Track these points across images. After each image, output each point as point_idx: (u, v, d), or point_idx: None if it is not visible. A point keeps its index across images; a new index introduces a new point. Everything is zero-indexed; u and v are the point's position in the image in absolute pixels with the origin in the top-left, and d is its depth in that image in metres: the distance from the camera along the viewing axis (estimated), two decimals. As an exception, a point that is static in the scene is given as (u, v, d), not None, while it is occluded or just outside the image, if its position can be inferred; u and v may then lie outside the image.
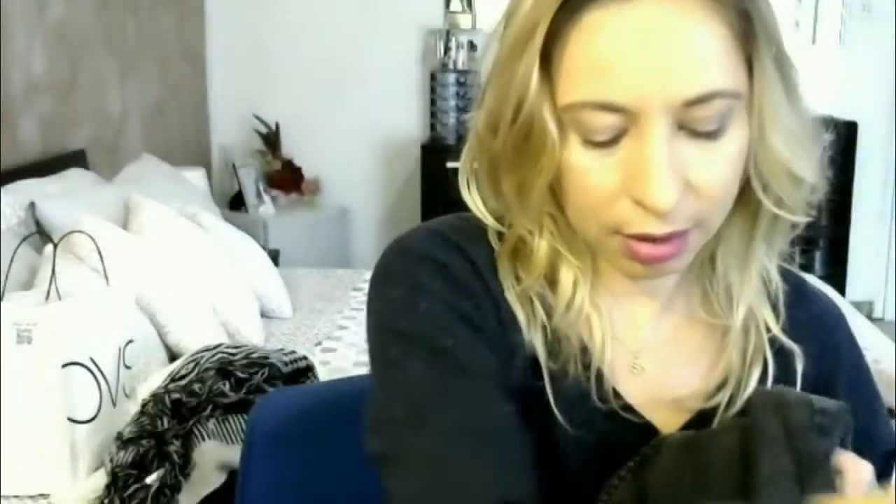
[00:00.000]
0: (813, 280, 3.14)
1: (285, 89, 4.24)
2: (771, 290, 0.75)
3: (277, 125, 4.14)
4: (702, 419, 0.73)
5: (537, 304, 0.71)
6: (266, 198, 3.99)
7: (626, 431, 0.72)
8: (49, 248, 2.01)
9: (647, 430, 0.72)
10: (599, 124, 0.63)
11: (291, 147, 4.17)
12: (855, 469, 0.61)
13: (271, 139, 4.13)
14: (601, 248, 0.69)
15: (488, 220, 0.72)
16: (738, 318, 0.73)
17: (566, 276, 0.72)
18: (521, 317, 0.71)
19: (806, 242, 4.36)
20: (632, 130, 0.63)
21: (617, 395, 0.72)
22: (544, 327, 0.71)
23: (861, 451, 0.70)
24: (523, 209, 0.69)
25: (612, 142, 0.63)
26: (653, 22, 0.61)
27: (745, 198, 0.70)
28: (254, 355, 1.69)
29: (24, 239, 2.01)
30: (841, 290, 3.90)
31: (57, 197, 2.40)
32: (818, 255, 4.36)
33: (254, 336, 2.40)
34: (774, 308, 0.75)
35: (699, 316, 0.76)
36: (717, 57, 0.62)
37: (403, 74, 4.25)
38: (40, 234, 2.16)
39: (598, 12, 0.62)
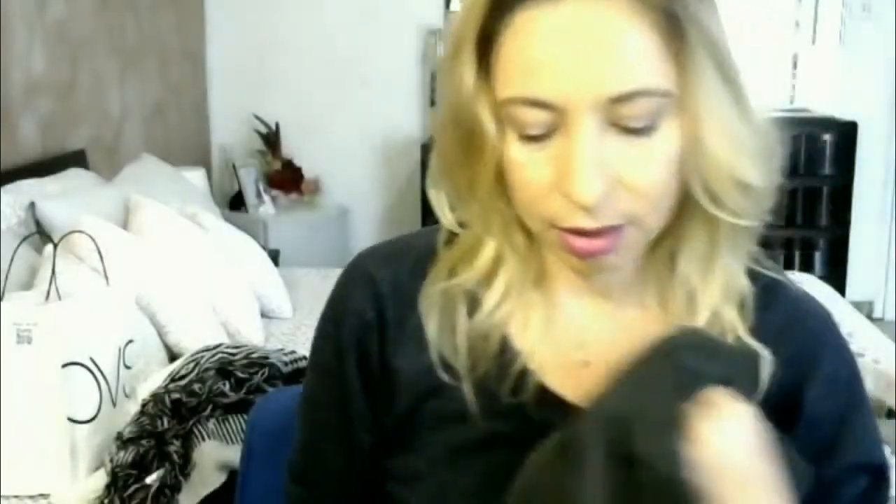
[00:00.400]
0: (812, 280, 3.11)
1: (285, 89, 4.24)
2: (736, 291, 0.73)
3: (277, 125, 4.14)
4: None
5: (461, 306, 0.75)
6: (266, 198, 3.99)
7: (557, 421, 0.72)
8: (49, 248, 2.01)
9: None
10: (531, 120, 0.65)
11: (291, 147, 4.17)
12: (726, 405, 0.64)
13: (271, 139, 4.13)
14: (544, 242, 0.72)
15: (447, 217, 0.75)
16: (700, 321, 0.72)
17: (504, 276, 0.74)
18: (431, 324, 0.75)
19: (806, 242, 4.37)
20: (562, 127, 0.65)
21: (545, 389, 0.74)
22: (466, 328, 0.74)
23: (821, 461, 0.72)
24: (474, 204, 0.72)
25: (545, 137, 0.66)
26: (579, 21, 0.63)
27: (702, 205, 0.70)
28: (254, 355, 1.69)
29: (24, 239, 2.01)
30: (841, 290, 3.90)
31: (57, 197, 2.40)
32: (818, 255, 4.37)
33: (254, 336, 2.40)
34: (743, 309, 0.73)
35: (657, 315, 0.75)
36: (642, 56, 0.63)
37: (403, 74, 4.25)
38: (40, 234, 2.16)
39: (529, 12, 0.64)
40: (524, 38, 0.64)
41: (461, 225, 0.76)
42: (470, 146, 0.69)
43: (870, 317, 4.19)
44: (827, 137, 4.24)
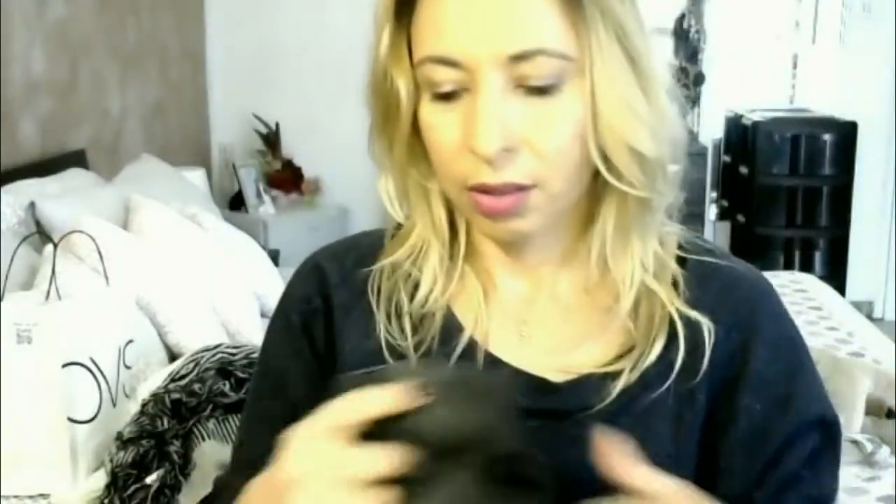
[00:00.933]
0: (812, 280, 3.10)
1: (285, 89, 4.24)
2: (664, 270, 0.76)
3: (277, 125, 4.14)
4: (594, 384, 0.75)
5: (404, 290, 0.78)
6: (266, 198, 3.99)
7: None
8: (49, 248, 2.01)
9: (538, 384, 0.75)
10: (441, 78, 0.69)
11: (291, 147, 4.17)
12: None
13: (271, 139, 4.13)
14: (461, 207, 0.75)
15: (394, 208, 0.79)
16: (626, 299, 0.75)
17: (433, 252, 0.78)
18: (379, 309, 0.78)
19: (806, 242, 4.38)
20: (470, 86, 0.68)
21: (495, 359, 0.77)
22: (409, 311, 0.78)
23: (778, 420, 0.75)
24: (393, 168, 0.77)
25: (455, 97, 0.69)
26: None
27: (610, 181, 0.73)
28: (254, 355, 1.69)
29: (24, 239, 2.01)
30: (841, 290, 3.90)
31: (57, 197, 2.40)
32: (818, 255, 4.37)
33: (254, 336, 2.40)
34: (675, 286, 0.76)
35: (591, 292, 0.78)
36: (541, 17, 0.67)
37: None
38: (40, 234, 2.17)
39: None
40: (436, 1, 0.68)
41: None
42: (387, 111, 0.73)
43: (870, 317, 4.19)
44: (827, 137, 4.24)
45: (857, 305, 3.42)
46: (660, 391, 0.74)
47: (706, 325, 0.75)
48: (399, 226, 0.82)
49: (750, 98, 4.47)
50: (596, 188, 0.74)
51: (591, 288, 0.78)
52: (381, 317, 0.78)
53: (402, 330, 0.78)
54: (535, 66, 0.67)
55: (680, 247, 0.79)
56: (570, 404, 0.74)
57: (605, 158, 0.70)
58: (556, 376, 0.76)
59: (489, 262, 0.80)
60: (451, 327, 0.78)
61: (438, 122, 0.70)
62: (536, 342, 0.78)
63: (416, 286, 0.78)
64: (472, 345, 0.77)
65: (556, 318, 0.78)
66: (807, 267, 4.22)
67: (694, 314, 0.75)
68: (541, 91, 0.68)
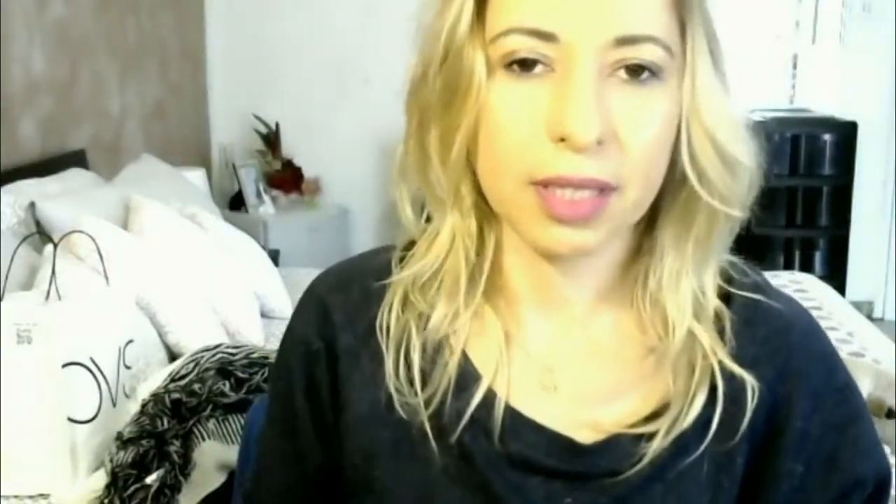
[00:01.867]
0: (812, 280, 3.10)
1: (285, 89, 4.24)
2: (709, 312, 0.69)
3: (277, 125, 4.14)
4: (625, 446, 0.68)
5: (413, 328, 0.70)
6: (266, 198, 3.99)
7: (538, 450, 0.69)
8: (49, 248, 2.01)
9: (565, 444, 0.69)
10: (528, 53, 0.61)
11: (291, 147, 4.16)
12: None
13: (271, 139, 4.13)
14: (516, 209, 0.65)
15: (408, 215, 0.71)
16: (676, 341, 0.68)
17: (451, 291, 0.70)
18: (388, 358, 0.71)
19: (806, 242, 4.37)
20: (559, 67, 0.61)
21: (516, 413, 0.69)
22: (421, 356, 0.70)
23: (822, 481, 0.69)
24: (444, 165, 0.67)
25: (538, 76, 0.62)
26: None
27: (682, 198, 0.67)
28: (254, 355, 1.69)
29: (24, 239, 2.01)
30: (841, 290, 3.90)
31: (57, 197, 2.40)
32: (818, 255, 4.37)
33: (254, 336, 2.40)
34: (721, 333, 0.69)
35: (629, 335, 0.71)
36: (652, 5, 0.62)
37: (403, 75, 4.24)
38: (40, 234, 2.16)
39: None
40: None
41: (427, 220, 0.72)
42: (454, 89, 0.64)
43: (870, 317, 4.19)
44: (827, 137, 4.24)
45: (857, 305, 3.42)
46: (695, 455, 0.68)
47: (750, 382, 0.68)
48: (407, 245, 0.74)
49: (750, 98, 4.47)
50: (652, 214, 0.68)
51: (629, 330, 0.71)
52: (389, 364, 0.71)
53: (412, 382, 0.70)
54: (640, 52, 0.61)
55: (726, 276, 0.72)
56: (599, 468, 0.68)
57: (694, 164, 0.64)
58: (584, 436, 0.69)
59: (513, 297, 0.71)
60: (467, 375, 0.70)
61: (513, 103, 0.62)
62: (563, 393, 0.70)
63: (428, 322, 0.70)
64: (490, 396, 0.69)
65: (586, 365, 0.71)
66: (807, 267, 4.22)
67: (738, 370, 0.68)
68: (638, 78, 0.62)
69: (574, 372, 0.71)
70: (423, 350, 0.70)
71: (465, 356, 0.70)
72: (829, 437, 0.70)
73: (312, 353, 0.75)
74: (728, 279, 0.72)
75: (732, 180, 0.65)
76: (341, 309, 0.74)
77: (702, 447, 0.68)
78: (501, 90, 0.63)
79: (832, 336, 2.66)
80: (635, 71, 0.62)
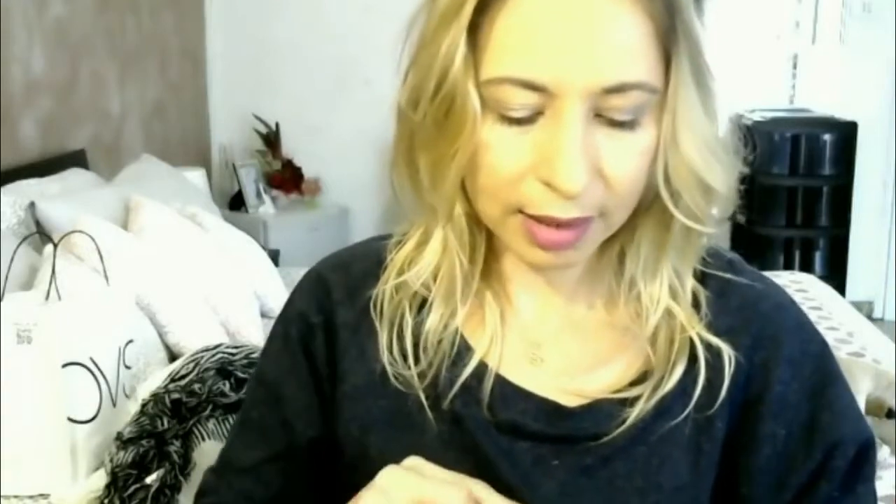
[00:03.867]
0: (812, 280, 3.10)
1: (285, 89, 4.24)
2: (685, 292, 0.73)
3: (277, 125, 4.14)
4: (609, 410, 0.72)
5: (410, 311, 0.74)
6: (266, 198, 3.99)
7: (525, 416, 0.72)
8: (49, 248, 2.01)
9: (551, 409, 0.73)
10: (518, 101, 0.63)
11: (291, 147, 4.17)
12: None
13: (271, 139, 4.13)
14: (503, 230, 0.69)
15: (406, 203, 0.74)
16: (652, 320, 0.72)
17: (448, 271, 0.73)
18: (383, 331, 0.75)
19: (806, 242, 4.37)
20: (548, 112, 0.63)
21: (506, 382, 0.74)
22: (415, 333, 0.74)
23: (804, 445, 0.72)
24: (436, 190, 0.69)
25: (528, 121, 0.64)
26: (581, 5, 0.61)
27: (657, 206, 0.70)
28: (254, 355, 1.69)
29: (24, 239, 2.01)
30: (841, 290, 3.90)
31: (57, 197, 2.40)
32: (818, 255, 4.37)
33: (254, 336, 2.40)
34: (697, 308, 0.73)
35: (604, 316, 0.76)
36: (639, 48, 0.62)
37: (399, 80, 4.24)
38: (40, 234, 2.16)
39: None
40: (521, 16, 0.62)
41: None
42: (445, 124, 0.65)
43: (870, 317, 4.19)
44: (827, 137, 4.24)
45: (857, 305, 3.42)
46: (678, 419, 0.71)
47: (727, 351, 0.72)
48: (405, 232, 0.78)
49: (750, 98, 4.47)
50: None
51: (611, 308, 0.75)
52: (383, 340, 0.75)
53: (406, 356, 0.74)
54: (626, 99, 0.63)
55: (701, 260, 0.76)
56: (584, 431, 0.72)
57: (668, 187, 0.67)
58: (569, 401, 0.73)
59: (506, 280, 0.76)
60: (462, 350, 0.74)
61: (505, 145, 0.65)
62: (550, 365, 0.75)
63: (423, 305, 0.74)
64: (481, 368, 0.73)
65: (571, 340, 0.75)
66: (807, 267, 4.22)
67: (715, 340, 0.72)
68: (623, 124, 0.64)
69: (559, 347, 0.75)
70: (419, 329, 0.74)
71: (458, 332, 0.74)
72: (807, 402, 0.73)
73: (311, 326, 0.78)
74: (702, 262, 0.76)
75: (705, 203, 0.68)
76: (342, 286, 0.78)
77: (684, 412, 0.71)
78: (494, 134, 0.65)
79: (832, 336, 2.66)
80: (619, 122, 0.64)
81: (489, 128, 0.65)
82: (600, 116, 0.64)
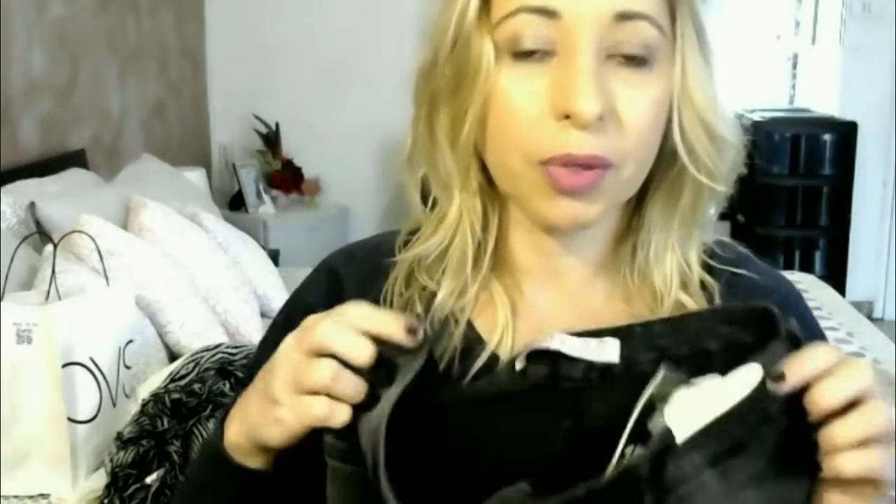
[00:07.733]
0: (812, 280, 3.10)
1: (285, 89, 4.24)
2: (695, 281, 0.75)
3: (277, 125, 4.14)
4: None
5: (417, 300, 0.75)
6: (266, 198, 3.99)
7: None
8: (49, 248, 2.01)
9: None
10: (531, 32, 0.66)
11: (291, 147, 4.17)
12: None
13: (271, 139, 4.13)
14: (522, 185, 0.70)
15: (416, 201, 0.77)
16: (664, 309, 0.73)
17: (457, 267, 0.74)
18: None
19: (806, 242, 4.38)
20: (561, 50, 0.66)
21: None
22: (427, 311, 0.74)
23: None
24: (454, 149, 0.71)
25: (542, 60, 0.66)
26: None
27: (669, 173, 0.73)
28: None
29: (24, 239, 2.01)
30: (841, 290, 3.90)
31: (57, 197, 2.40)
32: (818, 255, 4.37)
33: (254, 336, 2.40)
34: (710, 302, 0.75)
35: (620, 308, 0.76)
36: None
37: (403, 74, 4.24)
38: (40, 234, 2.16)
39: None
40: None
41: (432, 208, 0.77)
42: (463, 74, 0.69)
43: (870, 317, 4.19)
44: (827, 137, 4.24)
45: (857, 305, 3.42)
46: None
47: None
48: (412, 231, 0.79)
49: (750, 98, 4.47)
50: (641, 192, 0.74)
51: (625, 298, 0.76)
52: None
53: None
54: (636, 31, 0.66)
55: (709, 253, 0.78)
56: None
57: (684, 141, 0.70)
58: None
59: (517, 270, 0.77)
60: (473, 342, 0.74)
61: (520, 86, 0.67)
62: None
63: (432, 298, 0.75)
64: (492, 360, 0.73)
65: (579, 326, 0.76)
66: (807, 267, 4.22)
67: None
68: (634, 63, 0.66)
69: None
70: (430, 323, 0.74)
71: (470, 326, 0.75)
72: None
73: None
74: (711, 254, 0.78)
75: (718, 156, 0.71)
76: (353, 279, 0.79)
77: None
78: (508, 75, 0.67)
79: (832, 336, 2.66)
80: (631, 59, 0.67)
81: (504, 73, 0.67)
82: (612, 57, 0.66)
